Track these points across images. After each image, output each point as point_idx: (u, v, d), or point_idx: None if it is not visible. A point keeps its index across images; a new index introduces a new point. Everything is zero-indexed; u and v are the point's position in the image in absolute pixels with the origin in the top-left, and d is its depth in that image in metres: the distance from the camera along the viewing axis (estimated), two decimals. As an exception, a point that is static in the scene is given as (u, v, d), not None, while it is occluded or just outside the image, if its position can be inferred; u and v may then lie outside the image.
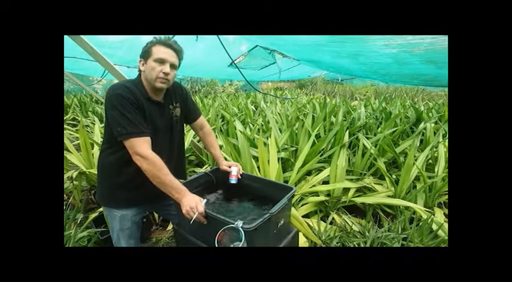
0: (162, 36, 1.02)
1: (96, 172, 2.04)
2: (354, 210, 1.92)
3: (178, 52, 1.04)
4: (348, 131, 2.52)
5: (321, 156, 2.26)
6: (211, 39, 3.01)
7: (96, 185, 2.19)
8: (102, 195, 1.17)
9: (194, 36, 3.02)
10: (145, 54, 1.02)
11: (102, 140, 1.17)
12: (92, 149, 2.35)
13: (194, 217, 0.91)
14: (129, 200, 1.14)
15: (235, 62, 3.64)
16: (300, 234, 1.45)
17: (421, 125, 2.90)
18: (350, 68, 3.32)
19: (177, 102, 1.17)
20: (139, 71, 1.06)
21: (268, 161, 1.92)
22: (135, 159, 0.96)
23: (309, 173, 2.15)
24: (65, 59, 3.29)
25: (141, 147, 0.95)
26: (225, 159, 1.37)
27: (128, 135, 0.95)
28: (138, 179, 0.97)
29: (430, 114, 3.48)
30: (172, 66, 1.03)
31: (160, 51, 0.99)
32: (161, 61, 0.99)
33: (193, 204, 0.93)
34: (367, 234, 1.54)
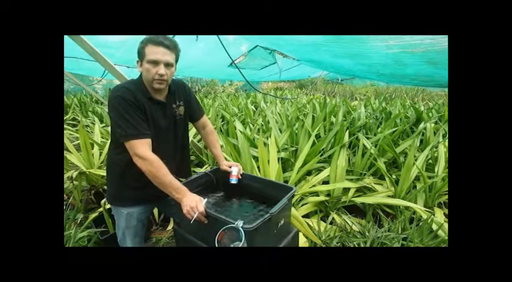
0: (153, 36, 0.97)
1: (96, 172, 2.08)
2: (354, 210, 1.92)
3: (171, 48, 0.99)
4: (348, 131, 2.52)
5: (321, 156, 2.26)
6: (211, 39, 3.00)
7: (96, 185, 2.22)
8: (109, 193, 1.18)
9: (194, 36, 3.01)
10: (140, 56, 1.00)
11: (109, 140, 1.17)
12: (92, 149, 2.35)
13: (195, 217, 0.91)
14: (134, 199, 1.14)
15: (235, 62, 3.63)
16: (300, 234, 1.45)
17: (421, 125, 2.90)
18: (350, 68, 3.32)
19: (181, 101, 1.16)
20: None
21: (268, 161, 1.92)
22: (134, 160, 0.96)
23: (309, 173, 2.15)
24: (65, 59, 3.29)
25: (140, 148, 0.95)
26: (225, 159, 1.37)
27: (128, 137, 0.95)
28: (143, 179, 0.97)
29: (430, 114, 3.48)
30: (168, 65, 0.99)
31: (152, 52, 0.96)
32: (154, 62, 0.97)
33: (193, 204, 0.93)
34: (367, 234, 1.54)
